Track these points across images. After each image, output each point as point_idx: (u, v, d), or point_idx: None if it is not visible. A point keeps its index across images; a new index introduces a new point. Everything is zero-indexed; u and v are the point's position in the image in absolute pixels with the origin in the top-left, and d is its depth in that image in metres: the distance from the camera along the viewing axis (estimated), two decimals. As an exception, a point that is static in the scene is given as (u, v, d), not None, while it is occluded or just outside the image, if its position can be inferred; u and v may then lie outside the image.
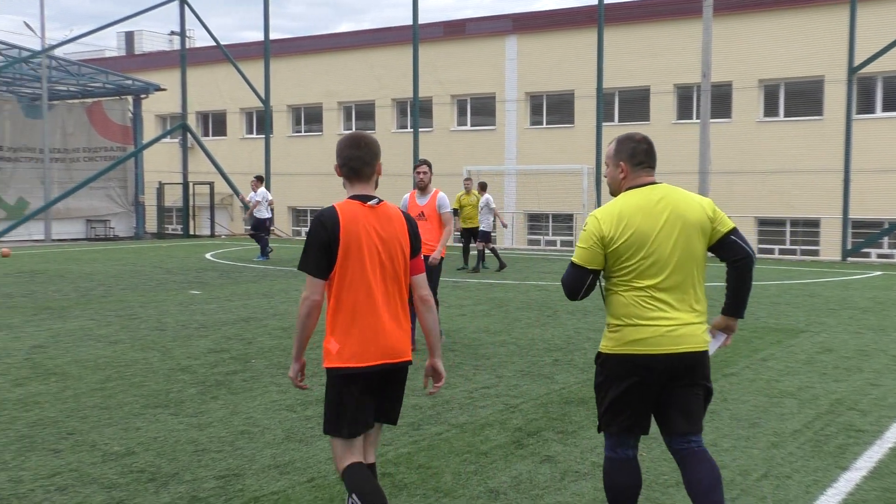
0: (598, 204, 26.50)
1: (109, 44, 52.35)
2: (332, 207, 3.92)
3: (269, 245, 22.30)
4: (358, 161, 4.03)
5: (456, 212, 19.08)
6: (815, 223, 28.35)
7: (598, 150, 26.51)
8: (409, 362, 4.03)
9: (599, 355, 4.12)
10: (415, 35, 30.36)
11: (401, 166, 32.80)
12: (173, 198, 36.04)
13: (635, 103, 31.88)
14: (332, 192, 36.34)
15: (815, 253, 27.53)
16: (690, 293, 3.99)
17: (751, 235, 29.14)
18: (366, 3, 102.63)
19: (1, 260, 21.11)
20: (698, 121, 27.13)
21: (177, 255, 23.12)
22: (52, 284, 15.39)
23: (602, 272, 4.06)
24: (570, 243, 31.47)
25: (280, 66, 37.14)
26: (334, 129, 38.59)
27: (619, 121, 32.03)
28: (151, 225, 35.94)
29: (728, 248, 4.07)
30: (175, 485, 5.16)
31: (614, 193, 4.19)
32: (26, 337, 10.13)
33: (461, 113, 35.88)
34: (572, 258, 4.07)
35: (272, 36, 34.29)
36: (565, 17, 32.88)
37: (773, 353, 9.54)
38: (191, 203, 35.03)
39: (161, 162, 37.83)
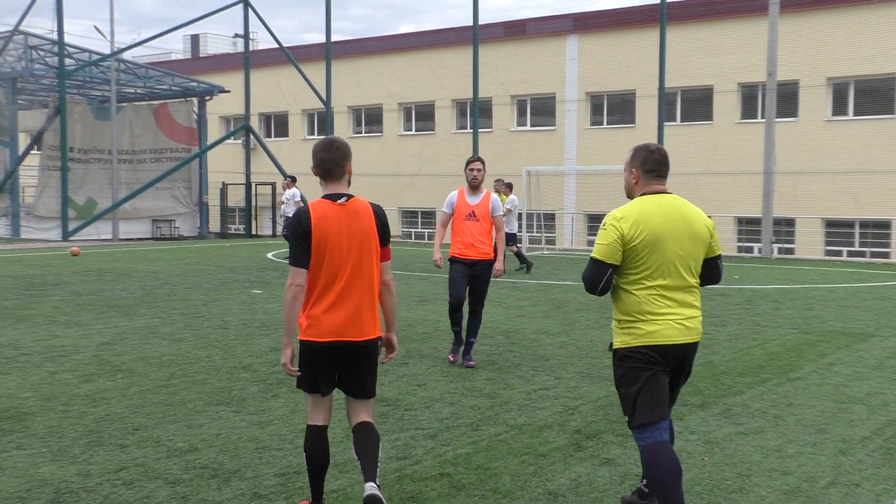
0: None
1: (176, 47, 53.39)
2: (307, 206, 4.49)
3: None
4: (329, 162, 4.53)
5: None
6: (885, 224, 27.58)
7: (660, 150, 26.16)
8: (373, 341, 4.56)
9: (617, 352, 4.40)
10: (475, 35, 30.36)
11: (460, 167, 32.82)
12: (236, 198, 36.64)
13: (698, 103, 31.41)
14: (391, 193, 36.55)
15: (886, 255, 26.79)
16: (693, 292, 4.40)
17: (818, 237, 28.50)
18: (426, 4, 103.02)
19: (71, 259, 21.68)
20: (763, 120, 26.66)
21: (239, 255, 23.48)
22: (120, 283, 15.75)
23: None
24: (631, 244, 31.10)
25: (341, 67, 37.47)
26: (395, 130, 38.79)
27: (682, 120, 31.60)
28: (215, 225, 36.58)
29: (712, 269, 4.53)
30: (237, 481, 5.23)
31: (629, 196, 4.55)
32: (94, 334, 10.38)
33: (521, 113, 35.77)
34: (592, 255, 4.36)
35: (334, 38, 34.64)
36: (627, 16, 32.54)
37: (841, 357, 9.31)
38: (253, 203, 35.57)
39: (224, 163, 38.45)
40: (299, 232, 4.39)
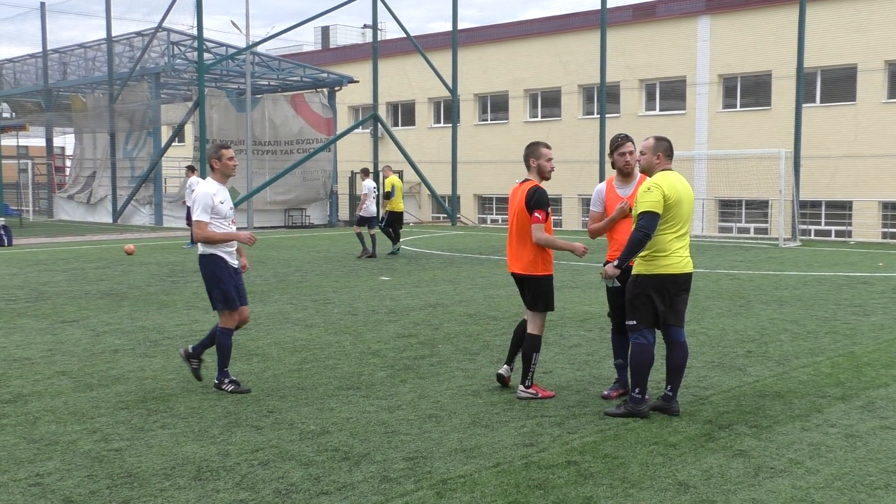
0: (797, 189, 25.13)
1: (307, 39, 54.82)
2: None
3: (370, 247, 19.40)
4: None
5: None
6: None
7: (797, 133, 25.13)
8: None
9: (636, 277, 6.34)
10: (602, 19, 29.88)
11: (587, 153, 32.49)
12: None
13: (840, 83, 29.96)
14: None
15: None
16: (689, 239, 6.45)
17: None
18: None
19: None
20: (911, 98, 25.18)
21: (368, 243, 23.88)
22: (254, 270, 16.31)
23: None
24: (766, 231, 30.06)
25: (467, 55, 37.59)
26: (520, 116, 38.67)
27: (822, 101, 30.26)
28: (344, 213, 37.39)
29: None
30: (367, 464, 5.34)
31: (646, 173, 6.53)
32: (232, 319, 10.77)
33: (650, 97, 35.02)
34: (648, 209, 6.13)
35: (460, 26, 34.77)
36: (762, -6, 31.31)
37: None
38: (381, 191, 36.12)
39: (353, 152, 39.27)
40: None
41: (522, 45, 38.27)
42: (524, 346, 6.94)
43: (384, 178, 21.07)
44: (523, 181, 6.96)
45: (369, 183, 19.96)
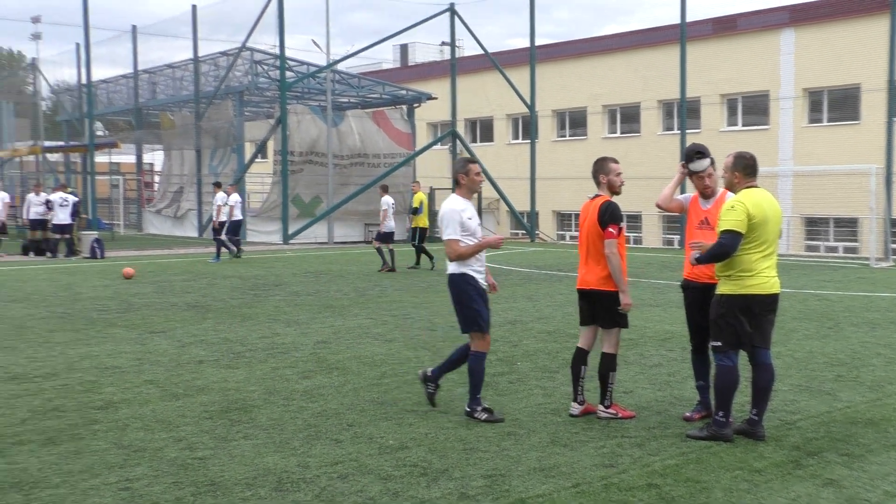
0: (889, 206, 24.31)
1: (386, 56, 55.38)
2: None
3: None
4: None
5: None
6: None
7: (890, 148, 24.35)
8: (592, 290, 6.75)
9: (721, 297, 6.24)
10: (682, 34, 29.51)
11: (666, 170, 31.94)
12: (442, 202, 37.48)
13: (933, 96, 28.90)
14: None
15: None
16: (776, 259, 6.30)
17: None
18: (632, 5, 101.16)
19: (291, 261, 22.96)
20: None
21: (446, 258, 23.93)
22: (334, 284, 16.53)
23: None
24: (855, 250, 29.15)
25: (545, 71, 37.52)
26: (598, 132, 38.38)
27: (914, 115, 29.22)
28: (422, 228, 37.56)
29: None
30: (445, 481, 5.34)
31: (730, 189, 6.48)
32: (312, 333, 10.95)
33: (731, 112, 34.37)
34: (730, 227, 6.06)
35: (538, 42, 34.76)
36: (850, 6, 30.47)
37: None
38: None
39: (432, 168, 39.45)
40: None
41: (601, 60, 38.02)
42: (600, 366, 6.83)
43: (412, 193, 21.22)
44: (594, 197, 6.90)
45: (388, 199, 20.39)
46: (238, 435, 6.32)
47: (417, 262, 20.43)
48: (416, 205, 20.54)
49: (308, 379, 8.20)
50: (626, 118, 37.85)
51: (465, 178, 6.90)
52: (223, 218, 22.45)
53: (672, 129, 35.12)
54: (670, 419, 6.80)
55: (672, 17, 40.63)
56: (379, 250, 19.84)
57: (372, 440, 6.20)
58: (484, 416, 6.74)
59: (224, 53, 34.90)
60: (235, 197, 22.76)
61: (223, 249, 22.57)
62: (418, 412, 6.98)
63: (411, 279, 17.87)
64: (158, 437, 6.25)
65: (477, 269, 6.82)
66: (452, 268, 6.85)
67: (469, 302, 6.79)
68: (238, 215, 22.74)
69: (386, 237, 19.98)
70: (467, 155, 35.36)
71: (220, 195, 22.75)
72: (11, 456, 5.82)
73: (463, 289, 6.80)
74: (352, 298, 14.47)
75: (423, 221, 20.57)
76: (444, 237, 6.75)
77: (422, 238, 20.45)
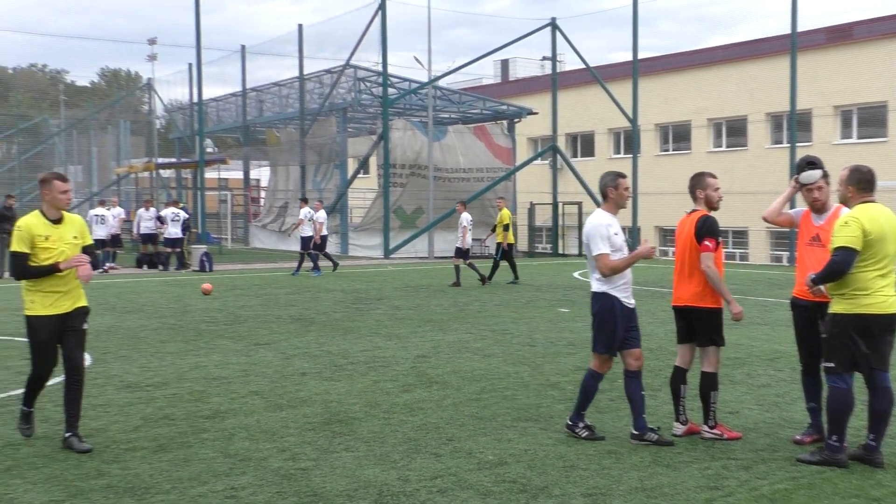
0: None
1: (486, 72, 55.53)
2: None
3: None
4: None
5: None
6: None
7: None
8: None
9: (835, 316, 5.97)
10: (793, 44, 28.66)
11: (774, 185, 31.04)
12: (543, 217, 37.33)
13: None
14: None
15: None
16: (894, 277, 5.96)
17: None
18: (739, 16, 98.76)
19: (392, 275, 23.22)
20: None
21: (546, 273, 23.88)
22: (434, 299, 16.63)
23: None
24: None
25: (648, 84, 36.99)
26: (704, 146, 37.59)
27: None
28: (522, 243, 37.48)
29: None
30: (544, 498, 5.29)
31: (845, 204, 6.25)
32: (412, 347, 11.03)
33: (846, 125, 33.16)
34: (844, 244, 5.81)
35: (641, 55, 34.29)
36: (973, 12, 29.08)
37: None
38: (560, 223, 36.03)
39: (533, 183, 39.37)
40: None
41: (706, 73, 37.26)
42: (701, 385, 6.68)
43: (499, 209, 21.12)
44: (691, 212, 6.75)
45: (467, 216, 20.43)
46: (339, 447, 6.40)
47: (515, 277, 20.45)
48: (506, 221, 20.61)
49: (408, 392, 8.26)
50: (732, 131, 36.97)
51: (613, 192, 6.66)
52: (308, 233, 22.82)
53: (781, 142, 34.12)
54: (779, 442, 6.57)
55: (781, 28, 39.49)
56: (458, 267, 20.08)
57: (471, 455, 6.19)
58: (585, 433, 6.65)
59: (328, 71, 35.64)
60: (322, 214, 23.10)
61: (307, 262, 22.98)
62: (517, 428, 6.93)
63: (511, 294, 17.82)
64: (263, 447, 6.39)
65: (622, 289, 6.59)
66: (597, 286, 6.64)
67: (607, 324, 6.58)
68: (324, 232, 23.09)
69: (463, 254, 20.14)
70: (570, 167, 35.15)
71: (306, 210, 23.21)
72: (125, 462, 6.04)
73: (607, 309, 6.58)
74: (451, 313, 14.52)
75: (508, 237, 20.61)
76: (594, 253, 6.52)
77: (505, 254, 20.52)
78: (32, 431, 6.67)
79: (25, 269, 6.28)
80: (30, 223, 6.35)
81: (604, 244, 6.49)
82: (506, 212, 20.91)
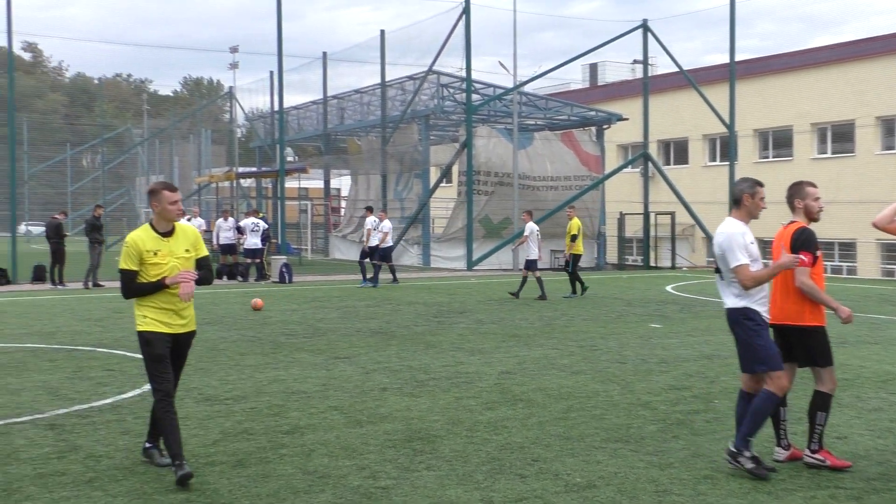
0: None
1: (574, 77, 54.84)
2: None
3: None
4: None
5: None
6: None
7: None
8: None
9: None
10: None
11: (887, 192, 29.65)
12: (633, 228, 36.42)
13: None
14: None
15: None
16: None
17: None
18: (846, 14, 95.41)
19: (475, 287, 22.96)
20: None
21: (637, 287, 23.24)
22: (519, 312, 16.29)
23: None
24: None
25: (746, 88, 35.82)
26: (807, 153, 36.20)
27: None
28: (612, 255, 36.71)
29: None
30: (635, 528, 4.95)
31: None
32: (496, 362, 10.74)
33: (961, 129, 31.52)
34: None
35: (739, 57, 33.28)
36: None
37: None
38: (651, 234, 35.05)
39: (622, 192, 38.61)
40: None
41: (809, 75, 35.92)
42: (810, 404, 6.21)
43: (569, 219, 20.61)
44: (788, 223, 6.34)
45: (532, 226, 20.03)
46: (421, 465, 6.19)
47: (573, 291, 20.08)
48: (573, 231, 20.20)
49: (492, 410, 7.99)
50: (839, 137, 35.51)
51: (749, 199, 6.27)
52: (374, 242, 22.72)
53: (893, 148, 32.62)
54: (893, 471, 6.07)
55: (892, 26, 37.83)
56: (524, 279, 19.68)
57: (558, 477, 5.91)
58: (750, 465, 5.94)
59: (411, 77, 35.23)
60: (387, 224, 23.01)
61: (369, 274, 22.72)
62: (607, 449, 6.60)
63: (600, 308, 17.37)
64: (342, 465, 6.21)
65: (761, 303, 6.15)
66: (734, 301, 6.16)
67: (752, 338, 6.04)
68: (389, 242, 23.06)
69: (530, 264, 19.75)
70: (663, 176, 34.32)
71: (371, 219, 23.07)
72: (204, 476, 5.95)
73: (744, 324, 6.09)
74: (537, 327, 14.18)
75: (578, 248, 20.23)
76: (732, 265, 6.08)
77: (576, 265, 20.23)
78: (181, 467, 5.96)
79: (132, 287, 6.07)
80: (138, 238, 6.09)
81: (742, 254, 6.09)
82: (575, 221, 20.50)
